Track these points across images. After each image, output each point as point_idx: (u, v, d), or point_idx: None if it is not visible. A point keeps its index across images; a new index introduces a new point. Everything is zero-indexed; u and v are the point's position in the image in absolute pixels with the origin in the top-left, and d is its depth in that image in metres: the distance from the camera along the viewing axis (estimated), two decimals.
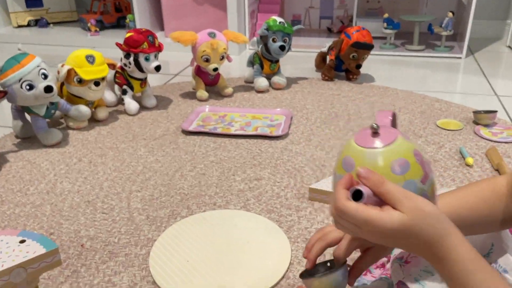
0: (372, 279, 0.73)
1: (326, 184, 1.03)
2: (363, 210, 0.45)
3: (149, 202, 1.04)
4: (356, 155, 0.50)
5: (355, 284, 0.69)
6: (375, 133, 0.50)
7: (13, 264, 0.64)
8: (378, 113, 0.52)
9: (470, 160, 1.15)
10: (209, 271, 0.81)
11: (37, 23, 2.78)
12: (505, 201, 0.58)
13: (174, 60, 2.22)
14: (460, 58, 2.20)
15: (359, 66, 1.77)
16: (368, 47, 1.73)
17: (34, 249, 0.67)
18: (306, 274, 0.65)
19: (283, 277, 0.80)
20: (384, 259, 0.76)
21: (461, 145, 1.27)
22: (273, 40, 1.66)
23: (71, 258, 0.86)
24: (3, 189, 1.10)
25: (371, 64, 2.03)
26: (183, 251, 0.87)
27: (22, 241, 0.69)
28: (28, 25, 2.79)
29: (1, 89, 1.20)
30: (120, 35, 1.53)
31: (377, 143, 0.49)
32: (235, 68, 2.11)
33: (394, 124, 0.56)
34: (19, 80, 1.19)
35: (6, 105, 1.47)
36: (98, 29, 2.57)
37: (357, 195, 0.46)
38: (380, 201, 0.46)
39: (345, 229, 0.49)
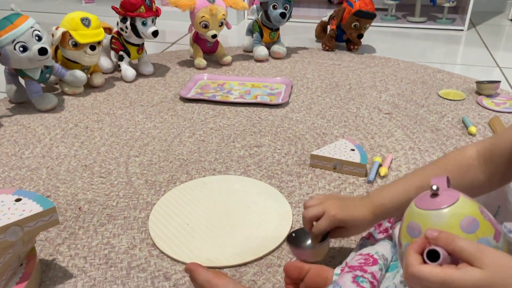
0: (376, 243, 0.72)
1: (328, 151, 1.01)
2: (439, 272, 0.42)
3: (148, 167, 1.02)
4: (421, 219, 0.48)
5: (359, 246, 0.69)
6: (435, 194, 0.49)
7: (8, 222, 0.62)
8: (433, 179, 0.51)
9: (473, 129, 1.14)
10: (209, 234, 0.80)
11: None
12: (472, 172, 0.59)
13: (171, 29, 2.17)
14: (462, 30, 2.16)
15: (360, 36, 1.73)
16: (370, 16, 1.69)
17: (31, 207, 0.65)
18: (293, 242, 0.70)
19: (284, 240, 0.79)
20: (388, 224, 0.75)
21: (463, 115, 1.25)
22: (274, 7, 1.62)
23: (69, 221, 0.85)
24: None
25: (372, 36, 1.99)
26: (183, 215, 0.85)
27: (18, 200, 0.67)
28: None
29: None
30: (116, 2, 1.47)
31: (441, 203, 0.47)
32: (233, 37, 2.06)
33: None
34: (12, 42, 1.15)
35: None
36: None
37: (432, 256, 0.43)
38: (456, 261, 0.43)
39: None
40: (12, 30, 1.14)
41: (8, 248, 0.64)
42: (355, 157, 0.99)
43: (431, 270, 0.42)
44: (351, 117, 1.25)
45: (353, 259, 0.64)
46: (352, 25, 1.71)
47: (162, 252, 0.77)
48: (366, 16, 1.69)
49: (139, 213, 0.87)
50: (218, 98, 1.36)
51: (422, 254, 0.44)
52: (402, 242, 0.51)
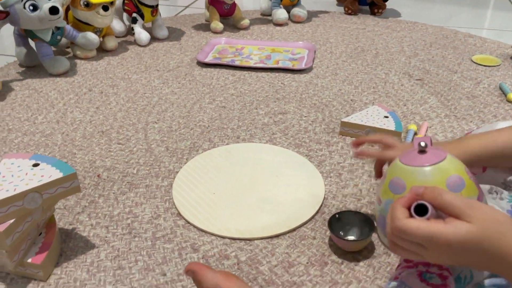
0: None
1: (359, 118, 0.95)
2: (427, 225, 0.39)
3: (168, 133, 0.97)
4: (406, 176, 0.47)
5: None
6: (422, 151, 0.47)
7: (26, 188, 0.57)
8: (416, 139, 0.50)
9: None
10: (237, 204, 0.75)
11: None
12: None
13: None
14: None
15: None
16: None
17: (50, 173, 0.60)
18: (335, 226, 0.67)
19: (317, 212, 0.74)
20: None
21: (500, 81, 1.17)
22: None
23: (88, 189, 0.80)
24: (10, 118, 1.02)
25: (395, 0, 1.88)
26: (208, 184, 0.80)
27: (36, 165, 0.62)
28: None
29: (2, 9, 1.09)
30: None
31: (428, 160, 0.46)
32: (249, 0, 1.97)
33: None
34: (22, 0, 1.08)
35: (8, 32, 1.36)
36: None
37: (420, 211, 0.41)
38: (442, 217, 0.41)
39: (406, 253, 0.42)
40: None
41: (26, 216, 0.59)
42: (389, 125, 0.92)
43: (419, 224, 0.40)
44: (380, 83, 1.18)
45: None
46: None
47: (188, 222, 0.72)
48: None
49: (162, 182, 0.82)
50: (237, 63, 1.29)
51: (409, 209, 0.42)
52: (382, 199, 0.49)
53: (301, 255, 0.66)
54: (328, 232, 0.69)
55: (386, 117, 0.95)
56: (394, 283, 0.51)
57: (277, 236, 0.70)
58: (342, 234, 0.67)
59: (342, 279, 0.62)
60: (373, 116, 0.95)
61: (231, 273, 0.53)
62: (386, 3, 1.68)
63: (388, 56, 1.35)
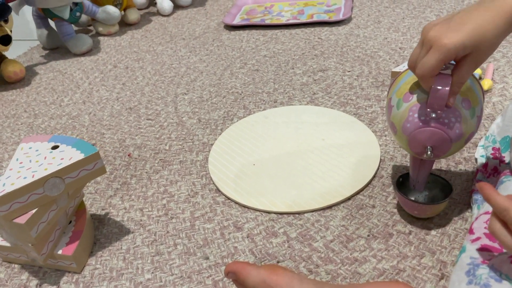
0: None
1: None
2: None
3: (199, 104, 0.89)
4: None
5: (474, 201, 0.54)
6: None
7: (45, 174, 0.51)
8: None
9: None
10: (281, 175, 0.67)
11: None
12: None
13: None
14: None
15: None
16: None
17: (70, 155, 0.54)
18: (403, 191, 0.58)
19: (374, 176, 0.65)
20: (495, 162, 0.59)
21: None
22: None
23: (119, 170, 0.74)
24: (35, 102, 0.98)
25: None
26: (246, 154, 0.72)
27: (55, 147, 0.55)
28: None
29: None
30: None
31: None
32: None
33: None
34: None
35: (29, 16, 1.31)
36: None
37: None
38: None
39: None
40: None
41: (50, 204, 0.54)
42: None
43: None
44: None
45: (480, 224, 0.47)
46: None
47: (229, 199, 0.65)
48: None
49: (196, 156, 0.74)
50: (268, 22, 1.18)
51: None
52: (412, 92, 0.49)
53: (360, 227, 0.57)
54: (390, 198, 0.60)
55: None
56: (484, 269, 0.41)
57: (330, 207, 0.61)
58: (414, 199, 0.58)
59: (412, 252, 0.53)
60: None
61: (276, 265, 0.44)
62: None
63: None
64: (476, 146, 0.67)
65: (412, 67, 0.47)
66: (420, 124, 0.48)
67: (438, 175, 0.58)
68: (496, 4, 0.42)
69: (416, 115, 0.48)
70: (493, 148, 0.62)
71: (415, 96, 0.48)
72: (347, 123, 0.76)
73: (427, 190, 0.58)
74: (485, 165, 0.61)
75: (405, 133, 0.49)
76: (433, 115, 0.47)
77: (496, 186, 0.53)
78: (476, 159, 0.64)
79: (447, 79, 0.45)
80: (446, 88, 0.44)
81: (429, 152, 0.48)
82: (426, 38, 0.44)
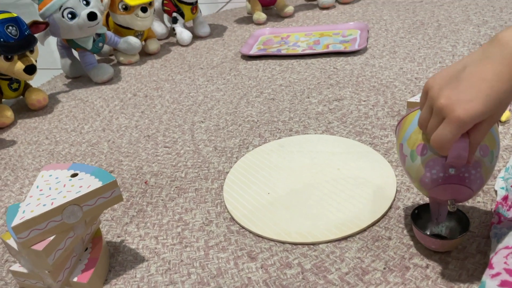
0: (510, 222, 0.55)
1: None
2: None
3: (215, 132, 0.90)
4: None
5: (493, 235, 0.52)
6: None
7: (64, 201, 0.52)
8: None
9: None
10: (296, 204, 0.67)
11: None
12: None
13: None
14: None
15: None
16: None
17: (89, 183, 0.55)
18: (418, 223, 0.57)
19: (390, 207, 0.64)
20: None
21: None
22: None
23: (135, 197, 0.75)
24: (57, 130, 1.01)
25: None
26: (261, 183, 0.72)
27: (74, 175, 0.57)
28: None
29: (42, 20, 1.07)
30: None
31: None
32: None
33: None
34: (60, 8, 1.06)
35: (53, 46, 1.37)
36: None
37: None
38: None
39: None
40: None
41: (68, 231, 0.54)
42: None
43: None
44: (447, 57, 1.04)
45: (500, 258, 0.46)
46: None
47: (243, 227, 0.65)
48: None
49: (212, 184, 0.75)
50: (284, 52, 1.21)
51: None
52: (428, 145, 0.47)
53: (376, 259, 0.56)
54: (406, 230, 0.59)
55: None
56: None
57: (345, 238, 0.60)
58: (428, 233, 0.57)
59: (429, 286, 0.52)
60: None
61: None
62: None
63: (452, 27, 1.20)
64: (495, 178, 0.66)
65: (422, 128, 0.46)
66: (440, 181, 0.47)
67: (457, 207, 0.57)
68: (504, 55, 0.39)
69: (434, 171, 0.47)
70: None
71: (429, 150, 0.47)
72: (363, 152, 0.76)
73: (444, 222, 0.57)
74: (505, 198, 0.60)
75: (424, 187, 0.49)
76: (453, 172, 0.46)
77: None
78: (495, 191, 0.63)
79: (464, 140, 0.42)
80: (465, 150, 0.43)
81: (451, 205, 0.48)
82: (436, 105, 0.42)
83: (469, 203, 0.62)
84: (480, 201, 0.62)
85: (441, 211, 0.53)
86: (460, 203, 0.60)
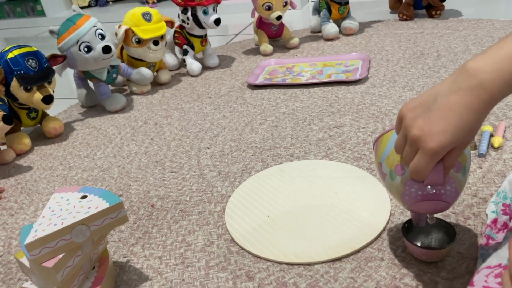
0: (500, 247, 0.57)
1: None
2: None
3: (220, 158, 0.94)
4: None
5: (480, 256, 0.55)
6: None
7: (73, 221, 0.56)
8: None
9: None
10: (293, 226, 0.70)
11: (97, 2, 2.79)
12: None
13: (233, 21, 2.11)
14: None
15: None
16: None
17: (96, 204, 0.59)
18: (408, 236, 0.60)
19: (383, 229, 0.66)
20: (505, 217, 0.60)
21: None
22: None
23: (142, 219, 0.79)
24: (71, 156, 1.06)
25: (454, 0, 1.77)
26: (261, 206, 0.76)
27: (84, 197, 0.61)
28: (89, 5, 2.81)
29: (60, 54, 1.15)
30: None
31: None
32: (298, 21, 1.94)
33: None
34: (77, 42, 1.13)
35: (70, 77, 1.44)
36: (155, 1, 2.52)
37: None
38: None
39: None
40: (76, 30, 1.13)
41: (76, 250, 0.58)
42: None
43: None
44: None
45: (481, 277, 0.49)
46: None
47: (243, 249, 0.68)
48: None
49: (214, 207, 0.79)
50: (288, 81, 1.26)
51: None
52: (405, 166, 0.50)
53: (368, 279, 0.59)
54: (399, 251, 0.61)
55: None
56: None
57: (339, 259, 0.63)
58: (419, 244, 0.60)
59: None
60: None
61: None
62: (444, 3, 1.58)
63: (451, 57, 1.24)
64: (486, 202, 0.68)
65: (398, 153, 0.50)
66: (419, 198, 0.51)
67: (441, 219, 0.60)
68: (473, 86, 0.42)
69: (413, 190, 0.51)
70: (503, 204, 0.63)
71: (407, 170, 0.50)
72: (359, 177, 0.79)
73: (433, 234, 0.60)
74: (494, 221, 0.62)
75: (405, 203, 0.53)
76: (430, 190, 0.50)
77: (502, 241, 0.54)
78: (486, 215, 0.65)
79: (439, 166, 0.47)
80: (440, 175, 0.47)
81: (429, 218, 0.54)
82: (410, 135, 0.45)
83: (460, 225, 0.65)
84: (471, 224, 0.65)
85: (421, 218, 0.57)
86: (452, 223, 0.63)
